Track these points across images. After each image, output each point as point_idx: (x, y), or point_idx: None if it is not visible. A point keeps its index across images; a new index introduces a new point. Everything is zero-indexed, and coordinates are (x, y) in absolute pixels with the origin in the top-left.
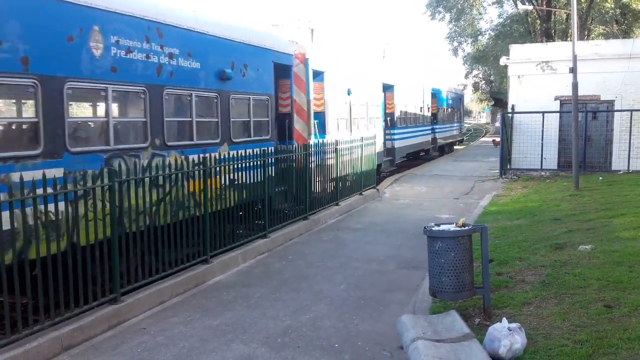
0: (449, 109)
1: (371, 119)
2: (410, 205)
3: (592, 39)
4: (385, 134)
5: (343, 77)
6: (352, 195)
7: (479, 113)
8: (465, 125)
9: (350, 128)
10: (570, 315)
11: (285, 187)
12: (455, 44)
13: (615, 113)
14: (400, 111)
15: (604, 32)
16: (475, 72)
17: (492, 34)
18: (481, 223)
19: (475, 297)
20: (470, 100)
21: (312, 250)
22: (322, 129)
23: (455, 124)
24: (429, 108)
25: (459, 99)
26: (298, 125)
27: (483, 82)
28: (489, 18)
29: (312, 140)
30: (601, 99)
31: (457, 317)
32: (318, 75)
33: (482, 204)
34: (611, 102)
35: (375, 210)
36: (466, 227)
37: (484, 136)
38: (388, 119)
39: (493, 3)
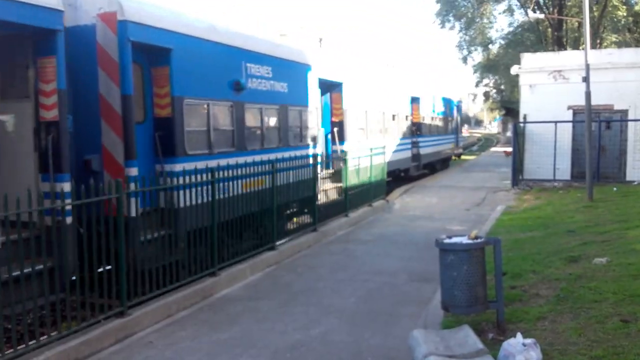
0: (440, 118)
1: (294, 129)
2: (421, 216)
3: (605, 47)
4: (330, 152)
5: (225, 61)
6: (361, 206)
7: (490, 122)
8: (476, 135)
9: (238, 144)
10: (586, 330)
11: (52, 265)
12: (465, 52)
13: (629, 123)
14: (356, 120)
15: (616, 40)
16: (485, 81)
17: (503, 42)
18: (494, 235)
19: (488, 312)
20: (481, 109)
21: (321, 263)
22: (170, 147)
23: (448, 137)
24: (407, 116)
25: (454, 106)
26: (108, 140)
27: (494, 91)
28: (499, 27)
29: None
30: (615, 109)
31: (470, 332)
32: (162, 55)
33: (494, 216)
34: (625, 112)
35: (385, 222)
36: (479, 240)
37: (495, 146)
38: (335, 129)
39: (503, 12)
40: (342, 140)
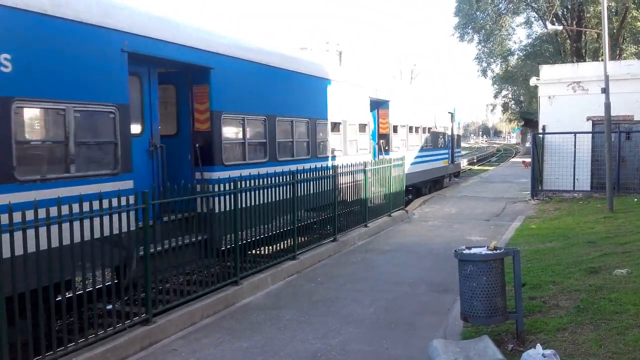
0: (425, 129)
1: (60, 146)
2: (440, 227)
3: (624, 58)
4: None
5: None
6: (381, 216)
7: (509, 133)
8: (495, 145)
9: None
10: (607, 342)
11: None
12: (484, 64)
13: None
14: (243, 130)
15: (636, 51)
16: (504, 92)
17: (521, 54)
18: (513, 246)
19: (508, 322)
20: (500, 120)
21: (341, 272)
22: None
23: (438, 152)
24: (367, 126)
25: (446, 113)
26: None
27: (512, 102)
28: (518, 38)
29: None
30: (635, 119)
31: (490, 343)
32: None
33: (513, 226)
34: None
35: (404, 232)
36: (498, 251)
37: (514, 157)
38: (198, 146)
39: (522, 24)
40: (210, 163)
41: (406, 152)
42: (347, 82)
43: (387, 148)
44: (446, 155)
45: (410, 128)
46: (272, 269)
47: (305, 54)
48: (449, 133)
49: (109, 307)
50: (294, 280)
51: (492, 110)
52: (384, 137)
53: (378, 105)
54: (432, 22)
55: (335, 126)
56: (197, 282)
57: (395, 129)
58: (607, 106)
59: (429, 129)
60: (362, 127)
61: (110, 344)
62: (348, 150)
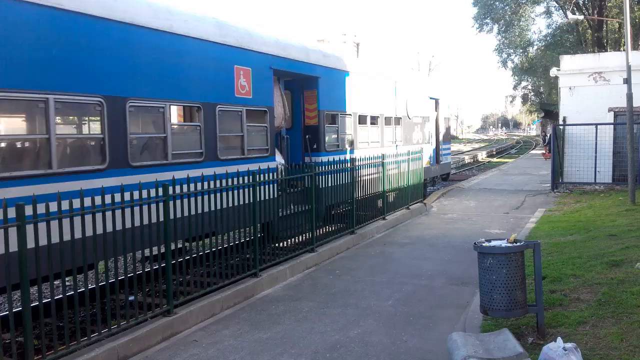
0: (389, 120)
1: None
2: (459, 219)
3: None
4: None
5: None
6: (399, 209)
7: (529, 125)
8: (515, 137)
9: None
10: (629, 336)
11: None
12: (504, 55)
13: None
14: None
15: None
16: (524, 83)
17: (541, 44)
18: (533, 239)
19: (528, 315)
20: (519, 112)
21: (359, 265)
22: None
23: (414, 150)
24: (266, 113)
25: (427, 99)
26: None
27: (532, 93)
28: (538, 29)
29: None
30: None
31: (510, 336)
32: None
33: (533, 219)
34: None
35: (423, 225)
36: (518, 243)
37: (533, 149)
38: None
39: (541, 13)
40: None
41: (356, 152)
42: (221, 41)
43: (315, 147)
44: (428, 154)
45: (362, 118)
46: (291, 262)
47: None
48: (433, 125)
49: (131, 298)
50: (313, 273)
51: (511, 102)
52: (312, 130)
53: (301, 85)
54: (451, 12)
55: (191, 113)
56: (217, 274)
57: (331, 119)
58: (629, 97)
59: (398, 119)
60: (259, 116)
61: (133, 334)
62: (225, 152)
